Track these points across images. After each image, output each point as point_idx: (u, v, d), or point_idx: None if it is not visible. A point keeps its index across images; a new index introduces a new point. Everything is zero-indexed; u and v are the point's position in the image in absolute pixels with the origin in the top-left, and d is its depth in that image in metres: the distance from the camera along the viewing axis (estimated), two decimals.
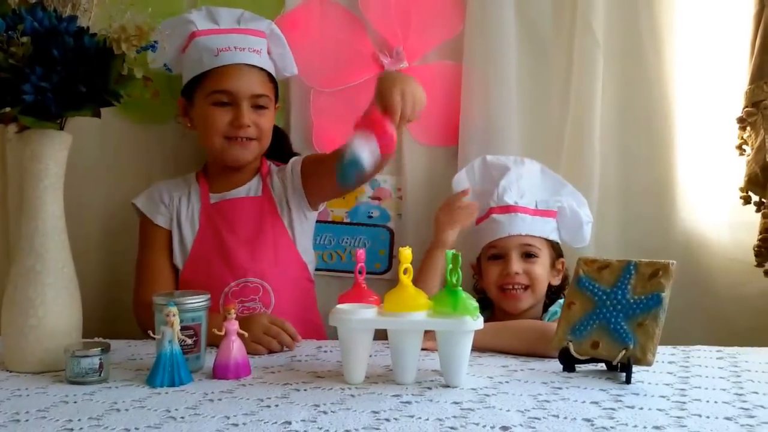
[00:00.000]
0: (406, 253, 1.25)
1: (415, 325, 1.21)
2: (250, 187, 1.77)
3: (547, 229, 1.76)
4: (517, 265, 1.71)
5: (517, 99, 1.93)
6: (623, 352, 1.24)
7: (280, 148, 1.87)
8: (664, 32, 1.94)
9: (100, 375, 1.24)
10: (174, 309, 1.23)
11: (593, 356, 1.30)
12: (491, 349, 1.45)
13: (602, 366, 1.33)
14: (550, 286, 1.78)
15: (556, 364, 1.34)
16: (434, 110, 1.94)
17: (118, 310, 1.84)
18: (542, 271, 1.73)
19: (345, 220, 1.99)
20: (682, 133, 1.95)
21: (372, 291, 1.34)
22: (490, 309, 1.79)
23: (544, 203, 1.77)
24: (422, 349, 1.25)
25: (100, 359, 1.24)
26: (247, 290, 1.68)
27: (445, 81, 1.97)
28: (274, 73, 1.78)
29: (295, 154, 1.87)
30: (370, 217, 2.01)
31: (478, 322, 1.20)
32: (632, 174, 1.97)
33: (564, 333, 1.34)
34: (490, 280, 1.75)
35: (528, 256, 1.73)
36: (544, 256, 1.75)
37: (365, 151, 1.30)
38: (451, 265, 1.23)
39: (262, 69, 1.74)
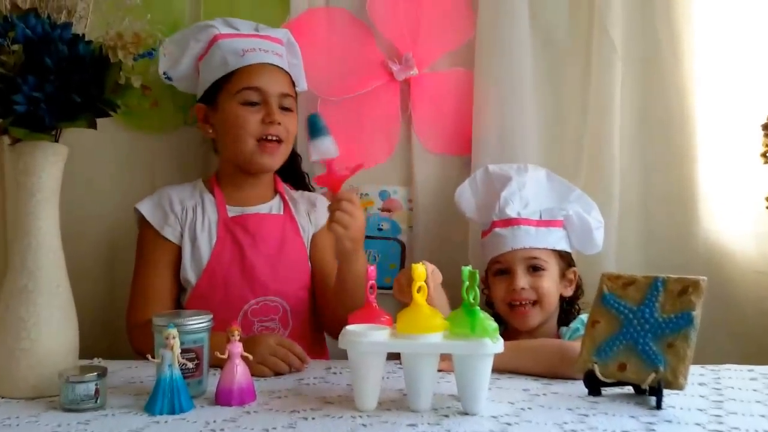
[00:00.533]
0: (419, 271, 1.17)
1: (430, 348, 1.14)
2: (272, 206, 1.72)
3: (552, 239, 1.68)
4: (522, 280, 1.63)
5: (532, 107, 1.86)
6: (653, 375, 1.17)
7: (290, 167, 1.81)
8: (683, 36, 1.87)
9: (96, 401, 1.17)
10: (174, 331, 1.15)
11: (620, 379, 1.23)
12: (509, 370, 1.37)
13: (629, 389, 1.25)
14: (562, 298, 1.70)
15: (579, 387, 1.26)
16: (446, 118, 1.92)
17: (121, 328, 1.75)
18: (550, 284, 1.65)
19: None
20: (704, 141, 1.87)
21: (383, 311, 1.26)
22: (503, 324, 1.71)
23: (549, 213, 1.69)
24: (438, 371, 1.18)
25: (96, 385, 1.17)
26: (267, 309, 1.62)
27: (457, 89, 1.91)
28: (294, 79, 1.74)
29: (304, 174, 1.83)
30: (380, 229, 1.94)
31: (498, 345, 1.12)
32: (652, 184, 1.90)
33: (589, 354, 1.27)
34: (497, 296, 1.68)
35: (534, 269, 1.65)
36: (552, 268, 1.67)
37: None
38: (467, 283, 1.16)
39: (286, 71, 1.70)
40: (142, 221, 1.66)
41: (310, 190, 1.83)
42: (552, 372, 1.36)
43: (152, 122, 1.88)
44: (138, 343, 1.53)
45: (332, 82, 1.88)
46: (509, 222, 1.67)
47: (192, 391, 1.21)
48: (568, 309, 1.71)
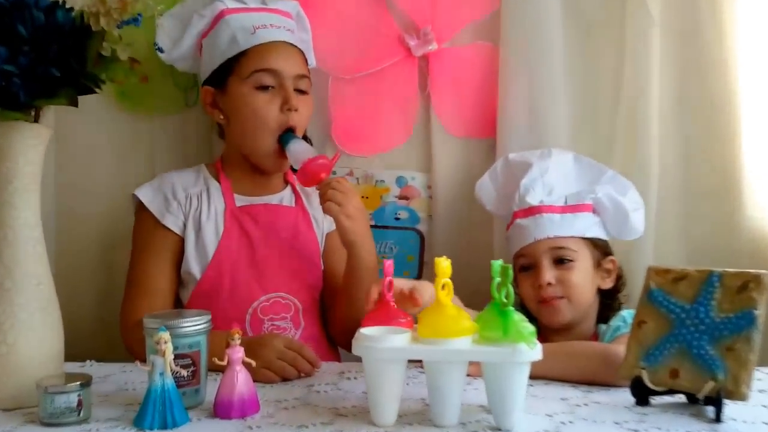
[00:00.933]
0: (443, 266, 1.03)
1: (458, 355, 0.99)
2: (283, 197, 1.59)
3: (581, 226, 1.52)
4: (548, 274, 1.48)
5: (563, 84, 1.72)
6: (710, 383, 1.05)
7: None
8: (725, 7, 1.72)
9: (78, 414, 1.04)
10: (165, 335, 1.02)
11: (672, 387, 1.10)
12: (541, 376, 1.23)
13: (681, 397, 1.12)
14: (601, 291, 1.55)
15: (624, 396, 1.13)
16: (468, 98, 1.78)
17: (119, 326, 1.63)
18: (581, 276, 1.50)
19: (369, 223, 1.77)
20: (749, 122, 1.72)
21: (402, 311, 1.12)
22: (534, 323, 1.57)
23: (576, 197, 1.54)
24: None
25: (79, 396, 1.04)
26: (278, 307, 1.49)
27: (480, 65, 1.77)
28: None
29: None
30: (397, 219, 1.81)
31: (535, 351, 0.98)
32: (693, 168, 1.75)
33: (636, 359, 1.13)
34: (524, 295, 1.53)
35: (561, 261, 1.49)
36: (583, 259, 1.51)
37: None
38: (498, 279, 1.01)
39: (299, 49, 1.56)
40: (141, 209, 1.52)
41: None
42: (592, 378, 1.22)
43: (151, 103, 1.76)
44: (132, 344, 1.40)
45: (344, 58, 1.74)
46: (530, 211, 1.53)
47: (188, 401, 1.08)
48: (608, 303, 1.55)
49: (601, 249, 1.55)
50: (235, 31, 1.51)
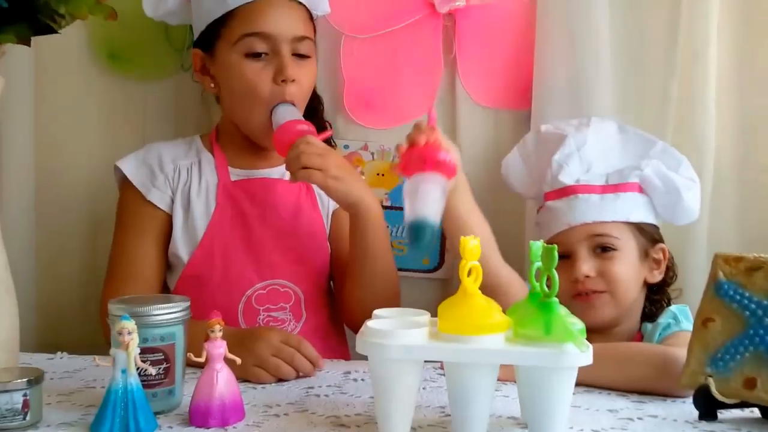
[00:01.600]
0: (470, 246, 0.84)
1: (487, 356, 0.80)
2: (284, 171, 1.37)
3: (625, 208, 1.32)
4: (586, 265, 1.28)
5: (608, 47, 1.53)
6: None
7: (311, 115, 1.46)
8: None
9: (24, 418, 0.87)
10: (130, 324, 0.84)
11: (747, 399, 0.92)
12: (585, 383, 1.03)
13: (754, 411, 0.94)
14: (648, 285, 1.35)
15: (686, 408, 0.95)
16: (500, 62, 1.60)
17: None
18: (626, 268, 1.30)
19: (385, 204, 1.60)
20: None
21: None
22: None
23: (619, 175, 1.34)
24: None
25: (25, 395, 0.87)
26: (276, 295, 1.31)
27: (515, 24, 1.58)
28: (312, 10, 1.40)
29: (326, 123, 1.50)
30: None
31: (586, 354, 0.79)
32: (754, 144, 1.56)
33: (700, 365, 0.95)
34: (560, 289, 1.31)
35: (602, 249, 1.30)
36: (628, 247, 1.31)
37: (429, 203, 0.96)
38: (538, 264, 0.82)
39: (300, 3, 1.35)
40: (125, 182, 1.35)
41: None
42: (646, 387, 1.03)
43: (143, 66, 1.59)
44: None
45: (359, 15, 1.56)
46: (564, 191, 1.34)
47: (159, 404, 0.91)
48: (655, 299, 1.36)
49: (648, 236, 1.34)
50: None
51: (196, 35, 1.38)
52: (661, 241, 1.37)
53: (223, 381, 0.88)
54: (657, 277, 1.35)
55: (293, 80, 1.30)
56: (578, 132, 1.39)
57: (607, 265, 1.29)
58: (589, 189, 1.33)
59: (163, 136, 1.56)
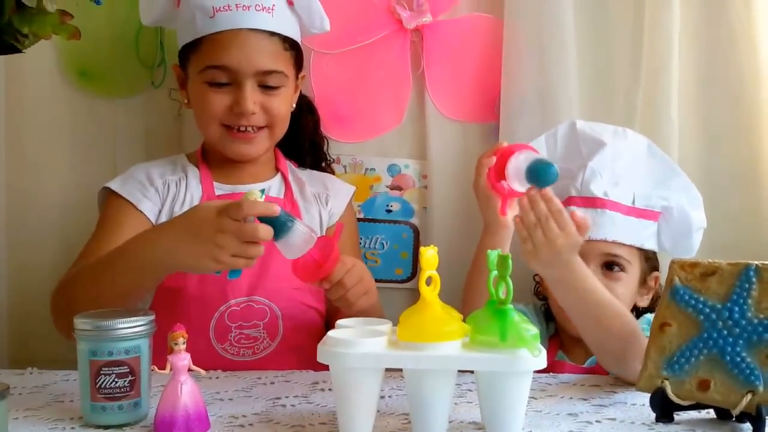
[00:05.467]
0: (428, 256, 0.86)
1: (444, 362, 0.82)
2: (270, 186, 1.41)
3: (643, 235, 1.32)
4: None
5: (575, 60, 1.56)
6: (748, 396, 0.89)
7: (296, 139, 1.51)
8: None
9: None
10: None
11: (701, 401, 0.94)
12: (580, 324, 1.14)
13: (711, 412, 0.96)
14: (635, 308, 1.36)
15: (644, 411, 0.98)
16: (468, 77, 1.62)
17: None
18: (627, 291, 1.30)
19: (357, 216, 1.61)
20: None
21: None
22: (552, 321, 1.39)
23: (645, 199, 1.33)
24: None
25: None
26: (250, 313, 1.30)
27: (482, 39, 1.60)
28: (295, 36, 1.39)
29: (322, 137, 1.55)
30: (389, 211, 1.64)
31: (539, 359, 0.81)
32: (717, 153, 1.60)
33: (657, 368, 0.98)
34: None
35: (610, 267, 1.30)
36: (633, 272, 1.31)
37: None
38: (495, 272, 0.84)
39: (274, 34, 1.34)
40: (110, 196, 1.34)
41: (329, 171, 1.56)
42: (611, 358, 1.10)
43: (114, 83, 1.59)
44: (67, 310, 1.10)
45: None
46: (593, 202, 1.30)
47: (126, 417, 0.93)
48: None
49: (650, 263, 1.36)
50: (194, 11, 1.31)
51: (179, 48, 1.39)
52: (657, 269, 1.38)
53: (187, 392, 0.89)
54: (644, 302, 1.36)
55: (253, 113, 1.31)
56: (615, 141, 1.36)
57: (612, 285, 1.26)
58: (616, 207, 1.31)
59: (134, 152, 1.58)
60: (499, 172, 1.19)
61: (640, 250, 1.32)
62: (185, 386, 0.90)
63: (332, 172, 1.56)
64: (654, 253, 1.36)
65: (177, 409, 0.89)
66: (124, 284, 1.12)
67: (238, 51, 1.29)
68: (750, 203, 1.59)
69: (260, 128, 1.35)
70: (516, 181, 1.15)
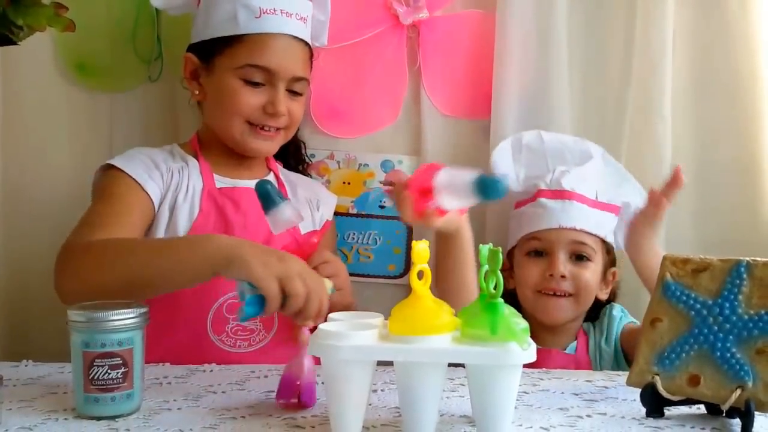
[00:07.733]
0: (419, 249, 0.86)
1: (434, 355, 0.83)
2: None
3: (606, 226, 1.43)
4: (564, 266, 1.37)
5: (567, 58, 1.58)
6: (738, 391, 0.89)
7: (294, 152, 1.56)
8: None
9: None
10: None
11: (691, 396, 0.94)
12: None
13: (701, 408, 0.96)
14: (595, 301, 1.44)
15: (634, 406, 0.98)
16: (463, 73, 1.63)
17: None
18: (593, 278, 1.40)
19: (351, 211, 1.63)
20: None
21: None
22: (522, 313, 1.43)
23: (606, 195, 1.45)
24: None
25: None
26: None
27: (477, 36, 1.62)
28: (312, 41, 1.44)
29: (300, 140, 1.56)
30: (382, 207, 1.65)
31: (529, 352, 0.81)
32: (711, 152, 1.64)
33: (647, 363, 0.98)
34: (525, 281, 1.41)
35: (578, 258, 1.39)
36: (598, 262, 1.41)
37: None
38: (486, 266, 0.85)
39: (306, 43, 1.39)
40: (112, 170, 1.30)
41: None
42: None
43: (111, 77, 1.60)
44: (70, 274, 1.15)
45: None
46: (561, 194, 1.41)
47: (118, 408, 0.93)
48: (593, 316, 1.46)
49: (611, 257, 1.46)
50: (237, 7, 1.32)
51: (195, 38, 1.38)
52: (615, 264, 1.46)
53: (309, 365, 0.98)
54: (604, 296, 1.45)
55: (284, 114, 1.34)
56: (576, 147, 1.50)
57: (580, 272, 1.38)
58: (583, 199, 1.41)
59: (130, 146, 1.52)
60: (425, 195, 1.09)
61: (603, 242, 1.42)
62: (308, 360, 0.98)
63: (309, 176, 1.58)
64: (613, 248, 1.44)
65: (302, 379, 0.96)
66: (157, 273, 1.08)
67: (280, 54, 1.33)
68: (742, 200, 1.62)
69: (279, 129, 1.37)
70: (452, 198, 1.06)
